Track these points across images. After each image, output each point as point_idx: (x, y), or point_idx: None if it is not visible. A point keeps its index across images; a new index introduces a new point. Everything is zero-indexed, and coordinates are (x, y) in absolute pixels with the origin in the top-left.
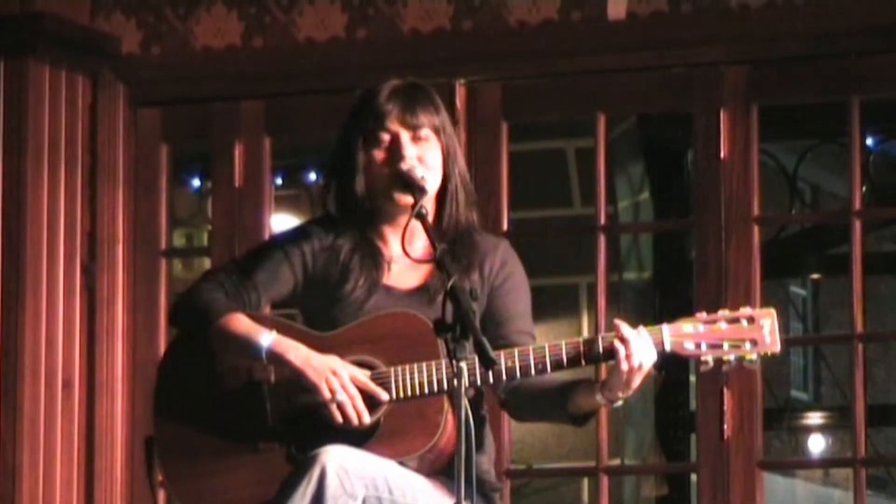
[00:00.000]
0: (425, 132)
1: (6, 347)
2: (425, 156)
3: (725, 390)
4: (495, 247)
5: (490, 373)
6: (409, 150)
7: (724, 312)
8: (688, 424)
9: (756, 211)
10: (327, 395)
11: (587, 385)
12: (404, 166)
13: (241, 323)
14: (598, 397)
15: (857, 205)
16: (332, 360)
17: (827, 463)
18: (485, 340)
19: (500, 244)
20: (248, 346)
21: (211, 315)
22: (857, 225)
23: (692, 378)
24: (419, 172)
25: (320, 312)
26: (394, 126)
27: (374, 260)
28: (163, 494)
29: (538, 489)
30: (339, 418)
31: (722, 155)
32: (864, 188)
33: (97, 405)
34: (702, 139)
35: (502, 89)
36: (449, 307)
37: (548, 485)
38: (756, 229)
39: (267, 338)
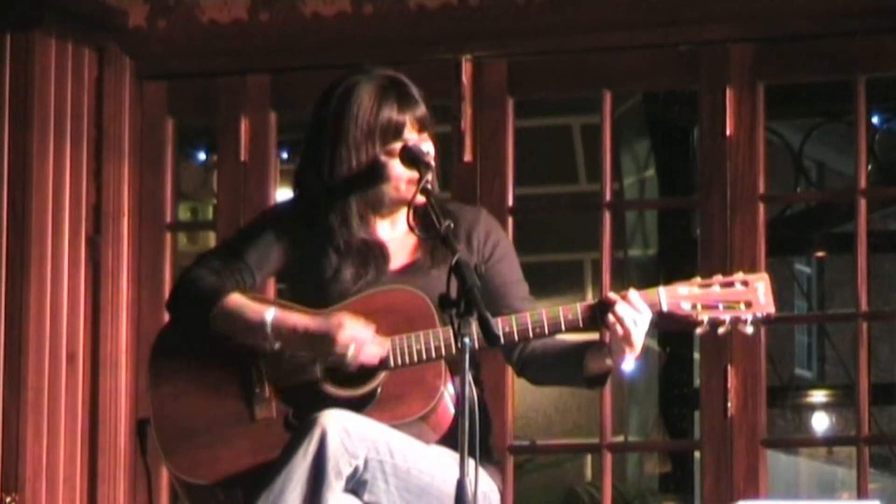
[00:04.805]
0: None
1: (11, 320)
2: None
3: (729, 368)
4: (476, 217)
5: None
6: (427, 145)
7: (718, 277)
8: (691, 402)
9: (761, 189)
10: (342, 349)
11: (598, 347)
12: (410, 141)
13: (241, 303)
14: (608, 361)
15: (863, 183)
16: (338, 316)
17: (830, 441)
18: (489, 316)
19: (479, 214)
20: (253, 324)
21: (210, 300)
22: (863, 203)
23: (696, 355)
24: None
25: (312, 292)
26: (410, 133)
27: (375, 251)
28: (165, 473)
29: (541, 465)
30: (356, 362)
31: (728, 133)
32: (869, 167)
33: (101, 378)
34: (707, 117)
35: (508, 65)
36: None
37: (551, 461)
38: (761, 207)
39: (270, 313)
